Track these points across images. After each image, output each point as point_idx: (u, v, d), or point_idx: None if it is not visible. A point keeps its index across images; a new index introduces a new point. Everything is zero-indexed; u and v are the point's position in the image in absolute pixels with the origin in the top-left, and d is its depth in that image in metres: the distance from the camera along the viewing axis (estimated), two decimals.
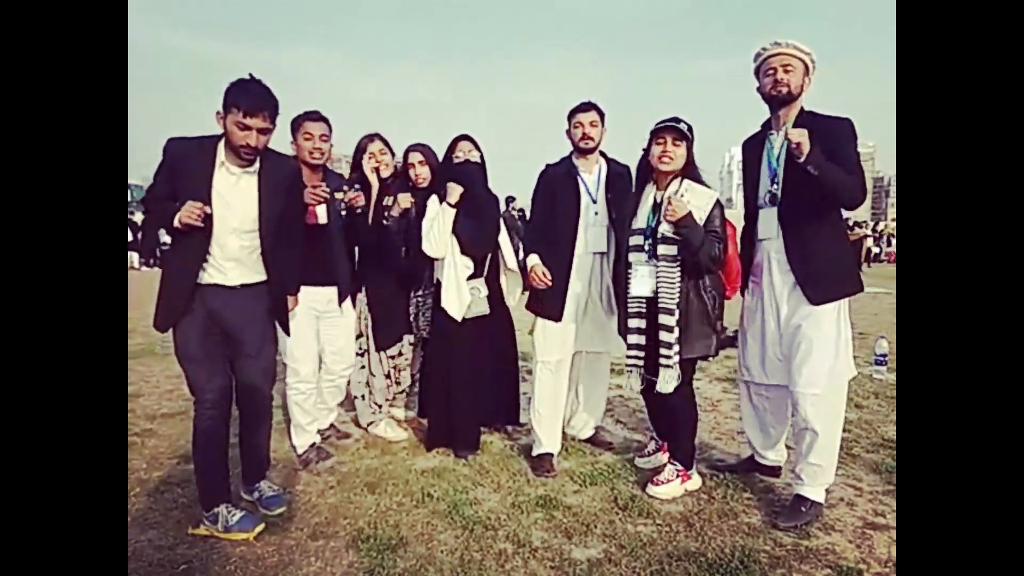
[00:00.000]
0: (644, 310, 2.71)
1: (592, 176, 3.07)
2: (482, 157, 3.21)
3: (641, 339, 2.73)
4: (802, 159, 2.33)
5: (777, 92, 2.51)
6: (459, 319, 3.11)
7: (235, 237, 2.31)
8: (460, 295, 3.12)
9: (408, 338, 3.41)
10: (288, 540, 2.35)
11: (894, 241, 24.23)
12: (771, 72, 2.53)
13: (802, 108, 2.56)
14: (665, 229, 2.59)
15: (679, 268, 2.60)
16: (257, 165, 2.33)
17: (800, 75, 2.51)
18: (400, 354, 3.42)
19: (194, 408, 2.39)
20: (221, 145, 2.28)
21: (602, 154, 3.13)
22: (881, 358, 4.96)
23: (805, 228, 2.53)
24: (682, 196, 2.59)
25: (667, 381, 2.65)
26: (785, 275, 2.59)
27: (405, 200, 3.17)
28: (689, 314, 2.63)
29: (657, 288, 2.64)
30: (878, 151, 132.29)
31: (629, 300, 2.74)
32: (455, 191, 3.04)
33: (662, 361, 2.65)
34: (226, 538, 2.33)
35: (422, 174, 3.24)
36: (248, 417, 2.54)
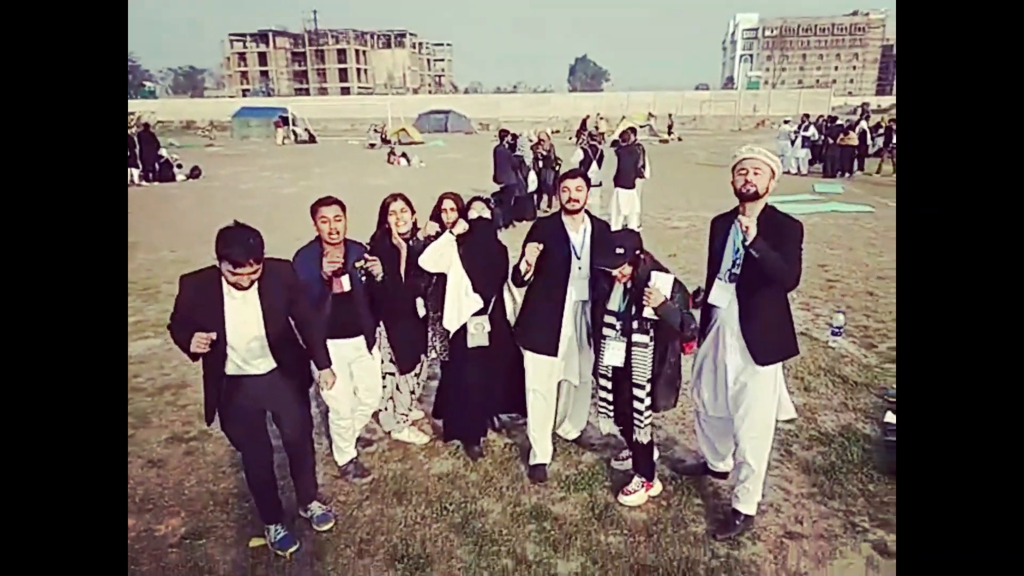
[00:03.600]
0: (611, 374, 3.30)
1: (578, 234, 3.51)
2: (493, 215, 3.77)
3: (610, 395, 3.35)
4: (748, 242, 2.84)
5: (746, 191, 2.97)
6: (451, 331, 3.74)
7: (255, 341, 2.86)
8: (460, 314, 3.71)
9: (422, 358, 4.02)
10: (341, 559, 3.07)
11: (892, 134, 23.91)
12: (743, 172, 2.96)
13: (767, 204, 3.00)
14: (647, 314, 3.08)
15: (649, 348, 3.15)
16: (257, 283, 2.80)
17: (767, 178, 2.95)
18: (416, 374, 4.05)
19: (244, 464, 3.10)
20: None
21: (587, 212, 3.55)
22: (837, 329, 5.58)
23: (757, 303, 3.05)
24: (655, 284, 3.06)
25: (641, 436, 3.31)
26: (736, 339, 3.13)
27: (432, 228, 3.79)
28: (656, 382, 3.21)
29: (629, 363, 3.20)
30: (889, 16, 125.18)
31: (600, 365, 3.31)
32: (461, 224, 3.61)
33: (636, 422, 3.27)
34: (275, 551, 3.07)
35: (452, 219, 3.77)
36: (294, 461, 3.22)
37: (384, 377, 3.92)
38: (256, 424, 3.02)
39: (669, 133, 32.15)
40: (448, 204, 3.80)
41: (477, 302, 3.72)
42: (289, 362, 3.00)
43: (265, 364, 2.93)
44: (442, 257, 3.60)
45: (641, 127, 30.93)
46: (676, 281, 3.11)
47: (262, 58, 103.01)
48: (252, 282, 2.72)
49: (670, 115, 36.16)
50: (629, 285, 3.15)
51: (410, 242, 3.74)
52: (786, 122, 19.79)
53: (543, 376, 3.65)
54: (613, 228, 3.70)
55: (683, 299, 3.14)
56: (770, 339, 3.07)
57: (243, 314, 2.79)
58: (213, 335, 2.68)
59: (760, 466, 3.19)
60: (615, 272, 3.09)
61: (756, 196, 2.97)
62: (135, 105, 55.96)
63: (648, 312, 3.06)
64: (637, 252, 3.09)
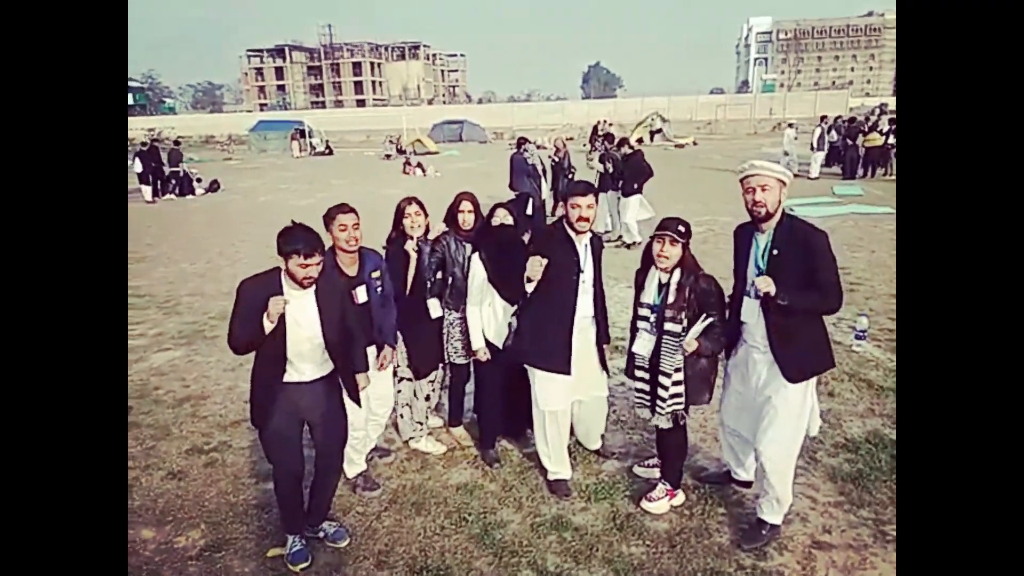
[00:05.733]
0: (646, 364, 3.25)
1: (582, 246, 3.43)
2: (515, 220, 3.74)
3: (645, 385, 3.29)
4: (774, 296, 2.81)
5: (757, 212, 2.90)
6: (481, 344, 3.74)
7: (307, 344, 2.86)
8: (498, 328, 3.75)
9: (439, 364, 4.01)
10: (360, 571, 3.04)
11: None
12: (751, 191, 2.89)
13: (783, 214, 2.94)
14: (669, 314, 3.10)
15: (679, 340, 3.10)
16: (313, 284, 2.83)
17: (776, 192, 2.87)
18: (431, 380, 4.02)
19: (274, 473, 3.06)
20: (283, 275, 2.78)
21: None
22: (861, 333, 5.47)
23: (785, 319, 2.95)
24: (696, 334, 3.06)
25: (660, 422, 3.26)
26: (764, 354, 3.06)
27: (441, 230, 3.82)
28: (689, 374, 3.15)
29: (659, 354, 3.16)
30: None
31: (633, 354, 3.27)
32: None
33: (657, 409, 3.22)
34: (286, 563, 3.04)
35: (468, 220, 3.79)
36: (322, 475, 3.17)
37: (400, 382, 3.91)
38: (295, 434, 3.00)
39: (648, 140, 29.87)
40: (466, 206, 3.79)
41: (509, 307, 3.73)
42: (340, 368, 3.01)
43: (312, 371, 2.93)
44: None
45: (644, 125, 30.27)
46: (714, 282, 3.17)
47: (279, 72, 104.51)
48: (313, 280, 2.77)
49: (654, 119, 33.62)
50: (666, 280, 3.12)
51: (422, 246, 3.73)
52: (791, 125, 19.54)
53: (557, 396, 3.53)
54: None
55: (720, 305, 3.14)
56: (801, 354, 2.98)
57: (301, 315, 2.83)
58: (287, 300, 2.71)
59: (784, 479, 3.09)
60: (663, 251, 3.08)
61: (768, 215, 2.92)
62: (155, 121, 56.98)
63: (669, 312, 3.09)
64: (688, 241, 3.12)
